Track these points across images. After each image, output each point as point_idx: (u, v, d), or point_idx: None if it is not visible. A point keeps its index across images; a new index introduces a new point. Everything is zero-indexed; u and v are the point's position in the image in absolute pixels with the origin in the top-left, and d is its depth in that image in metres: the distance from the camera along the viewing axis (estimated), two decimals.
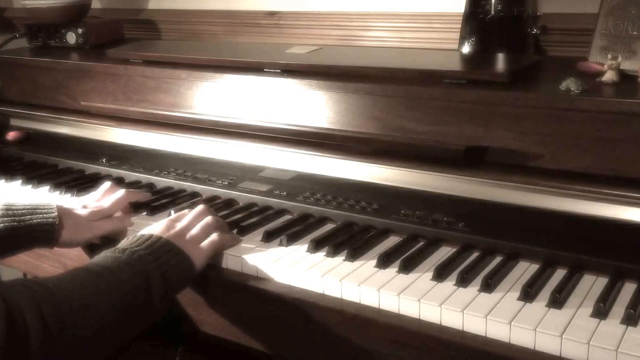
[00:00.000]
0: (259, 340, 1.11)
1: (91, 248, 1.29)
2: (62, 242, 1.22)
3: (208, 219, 1.18)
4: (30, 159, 1.76)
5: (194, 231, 1.15)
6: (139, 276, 1.01)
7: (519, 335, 0.90)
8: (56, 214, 1.20)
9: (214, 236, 1.15)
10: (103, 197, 1.34)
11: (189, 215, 1.19)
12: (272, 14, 1.93)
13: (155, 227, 1.14)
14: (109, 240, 1.26)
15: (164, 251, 1.06)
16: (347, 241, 1.17)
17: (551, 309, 0.94)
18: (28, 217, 1.18)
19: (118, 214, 1.33)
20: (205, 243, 1.13)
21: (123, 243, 1.08)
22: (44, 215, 1.19)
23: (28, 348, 0.85)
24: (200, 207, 1.22)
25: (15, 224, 1.16)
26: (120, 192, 1.33)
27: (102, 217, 1.28)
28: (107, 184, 1.37)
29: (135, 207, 1.36)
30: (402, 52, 1.66)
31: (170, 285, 1.05)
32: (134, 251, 1.04)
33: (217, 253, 1.15)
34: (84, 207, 1.29)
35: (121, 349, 1.01)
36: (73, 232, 1.23)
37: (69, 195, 1.48)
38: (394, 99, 1.27)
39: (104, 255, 1.04)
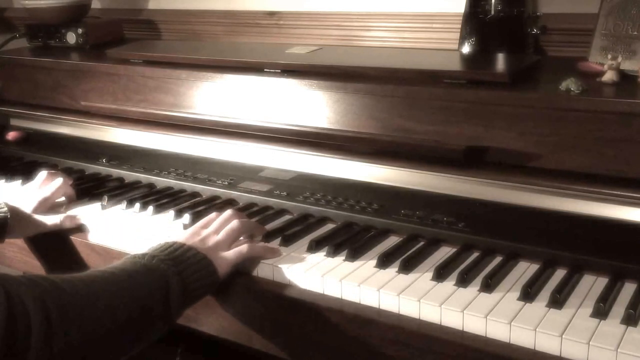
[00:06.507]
0: (259, 340, 1.11)
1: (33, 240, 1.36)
2: (10, 236, 1.29)
3: (233, 224, 1.15)
4: (30, 159, 1.76)
5: (219, 237, 1.13)
6: (158, 280, 1.00)
7: (519, 335, 0.90)
8: (6, 209, 1.26)
9: (243, 246, 1.12)
10: (42, 186, 1.37)
11: (216, 220, 1.17)
12: (272, 14, 1.93)
13: (181, 234, 1.13)
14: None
15: (186, 257, 1.05)
16: (347, 241, 1.17)
17: (551, 309, 0.94)
18: None
19: (61, 199, 1.38)
20: (231, 251, 1.11)
21: (146, 250, 1.07)
22: None
23: (28, 342, 0.84)
24: (226, 212, 1.19)
25: None
26: (59, 179, 1.37)
27: (47, 207, 1.34)
28: (43, 173, 1.40)
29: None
30: (402, 52, 1.66)
31: (190, 291, 1.03)
32: (154, 256, 1.03)
33: (246, 260, 1.12)
34: (28, 201, 1.33)
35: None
36: (18, 228, 1.29)
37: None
38: (394, 99, 1.27)
39: (124, 259, 1.04)
